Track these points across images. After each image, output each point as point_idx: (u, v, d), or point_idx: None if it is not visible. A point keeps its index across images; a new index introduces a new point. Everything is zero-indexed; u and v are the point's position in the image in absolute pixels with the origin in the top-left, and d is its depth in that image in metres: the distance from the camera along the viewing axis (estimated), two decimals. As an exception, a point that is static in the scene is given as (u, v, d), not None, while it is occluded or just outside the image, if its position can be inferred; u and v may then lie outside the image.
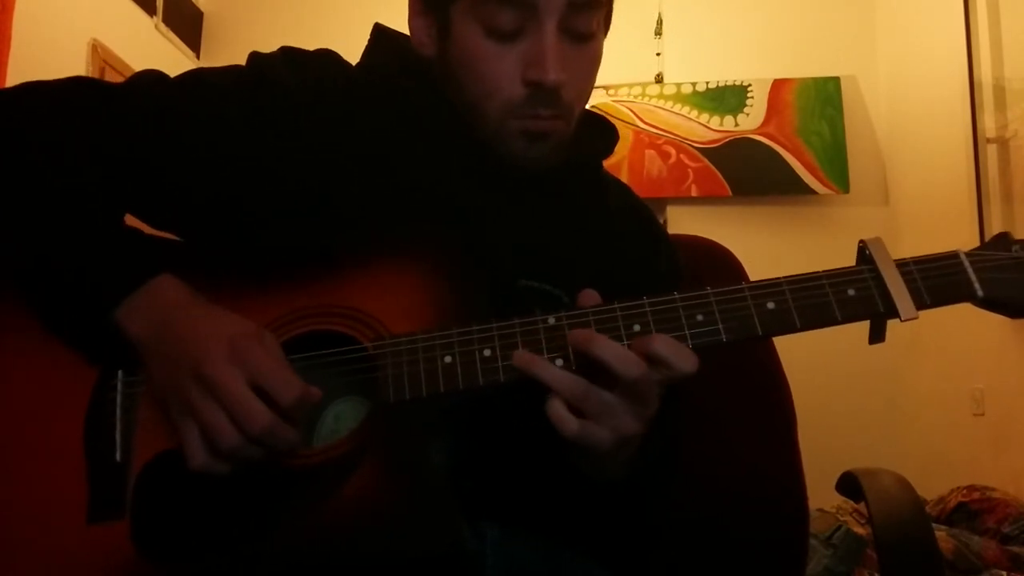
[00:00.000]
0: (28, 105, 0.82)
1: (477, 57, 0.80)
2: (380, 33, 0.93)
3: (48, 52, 2.96)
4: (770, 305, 0.71)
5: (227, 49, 4.04)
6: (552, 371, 0.69)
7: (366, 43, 0.94)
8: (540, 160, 0.83)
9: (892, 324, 0.73)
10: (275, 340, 0.71)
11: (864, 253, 0.73)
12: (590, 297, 0.73)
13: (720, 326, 0.71)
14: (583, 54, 0.82)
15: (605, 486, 0.77)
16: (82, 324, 0.74)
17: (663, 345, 0.68)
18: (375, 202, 0.82)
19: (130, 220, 0.83)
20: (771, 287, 0.72)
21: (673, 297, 0.72)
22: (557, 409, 0.68)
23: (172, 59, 3.79)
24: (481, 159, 0.84)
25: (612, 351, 0.67)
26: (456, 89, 0.83)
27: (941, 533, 2.21)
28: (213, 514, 0.69)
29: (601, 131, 0.93)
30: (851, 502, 2.13)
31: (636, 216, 0.96)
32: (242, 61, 0.89)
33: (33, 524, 0.70)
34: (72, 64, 3.10)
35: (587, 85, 0.85)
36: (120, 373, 0.74)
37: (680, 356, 0.69)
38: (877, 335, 0.74)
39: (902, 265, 0.72)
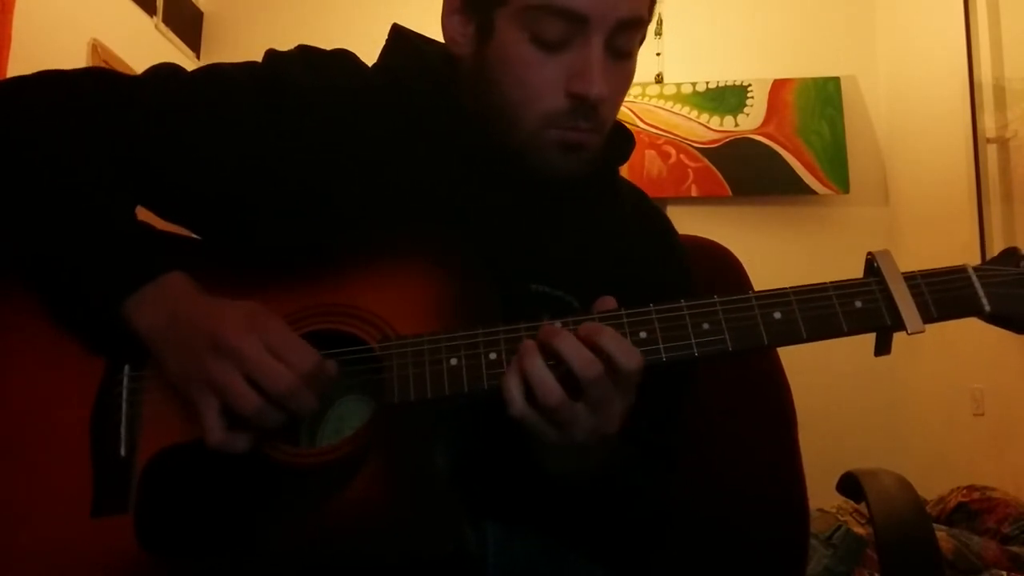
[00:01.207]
0: (44, 94, 0.83)
1: (520, 64, 0.80)
2: (398, 34, 0.92)
3: (48, 52, 2.95)
4: (776, 315, 0.71)
5: (227, 49, 4.03)
6: (536, 361, 0.67)
7: (367, 43, 0.94)
8: (571, 172, 0.83)
9: (894, 326, 0.73)
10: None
11: (872, 265, 0.74)
12: (607, 304, 0.73)
13: (726, 335, 0.71)
14: (621, 71, 0.82)
15: (568, 485, 0.77)
16: (91, 316, 0.74)
17: (610, 339, 0.67)
18: (383, 203, 0.82)
19: (141, 213, 0.84)
20: (778, 297, 0.72)
21: (680, 305, 0.72)
22: (511, 387, 0.67)
23: (172, 59, 3.73)
24: (494, 163, 0.84)
25: (574, 349, 0.67)
26: (490, 93, 0.82)
27: (941, 533, 2.21)
28: (217, 511, 0.70)
29: (619, 138, 0.93)
30: (851, 502, 2.13)
31: (649, 223, 0.96)
32: (242, 60, 0.89)
33: (38, 516, 0.71)
34: (72, 64, 3.07)
35: (620, 101, 0.86)
36: (126, 368, 0.75)
37: (623, 352, 0.67)
38: (883, 347, 0.74)
39: (910, 278, 0.72)
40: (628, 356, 0.67)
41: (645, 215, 0.96)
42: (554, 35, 0.78)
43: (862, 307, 0.72)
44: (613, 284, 0.79)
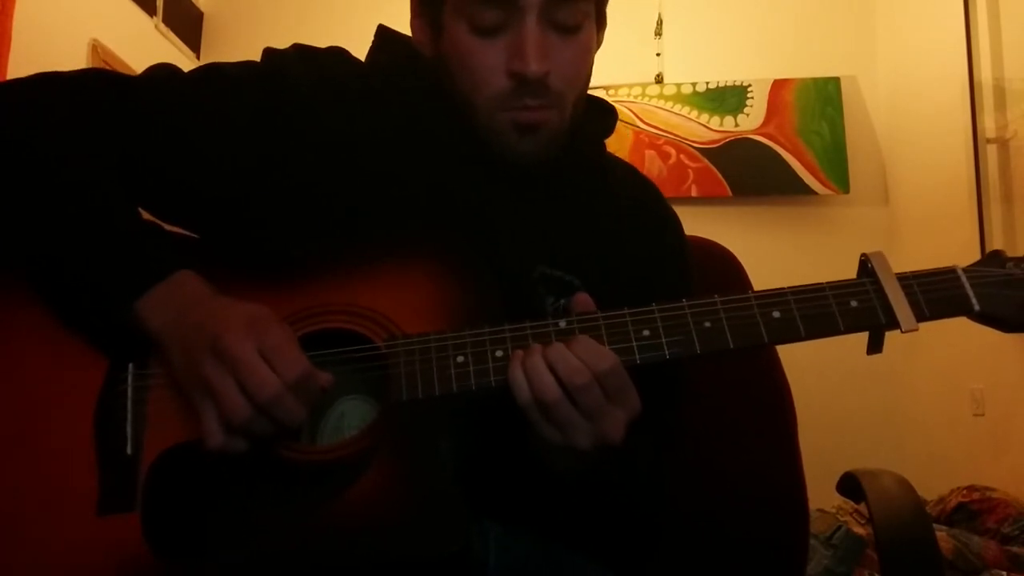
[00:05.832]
0: (46, 96, 0.83)
1: (464, 52, 0.82)
2: (383, 34, 0.94)
3: (48, 52, 2.95)
4: (775, 314, 0.73)
5: (227, 49, 4.03)
6: (537, 357, 0.70)
7: (367, 43, 0.94)
8: (533, 154, 0.84)
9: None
10: (291, 330, 0.71)
11: (866, 266, 0.76)
12: (584, 303, 0.74)
13: (727, 333, 0.72)
14: (569, 44, 0.82)
15: (569, 483, 0.77)
16: (100, 315, 0.74)
17: (583, 348, 0.70)
18: (386, 201, 0.83)
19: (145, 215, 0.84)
20: (776, 296, 0.74)
21: (682, 304, 0.74)
22: (516, 375, 0.69)
23: (172, 59, 3.73)
24: (485, 155, 0.85)
25: (561, 356, 0.69)
26: (450, 87, 0.84)
27: (941, 533, 2.22)
28: (223, 509, 0.70)
29: (598, 112, 0.94)
30: (851, 502, 2.13)
31: (642, 199, 0.96)
32: (242, 60, 0.89)
33: (44, 514, 0.71)
34: (72, 64, 3.04)
35: (577, 73, 0.85)
36: (131, 366, 0.75)
37: (596, 356, 0.70)
38: (875, 346, 0.76)
39: (902, 279, 0.74)
40: (600, 358, 0.69)
41: (637, 191, 0.97)
42: (489, 21, 0.80)
43: (858, 306, 0.73)
44: (609, 264, 0.80)
